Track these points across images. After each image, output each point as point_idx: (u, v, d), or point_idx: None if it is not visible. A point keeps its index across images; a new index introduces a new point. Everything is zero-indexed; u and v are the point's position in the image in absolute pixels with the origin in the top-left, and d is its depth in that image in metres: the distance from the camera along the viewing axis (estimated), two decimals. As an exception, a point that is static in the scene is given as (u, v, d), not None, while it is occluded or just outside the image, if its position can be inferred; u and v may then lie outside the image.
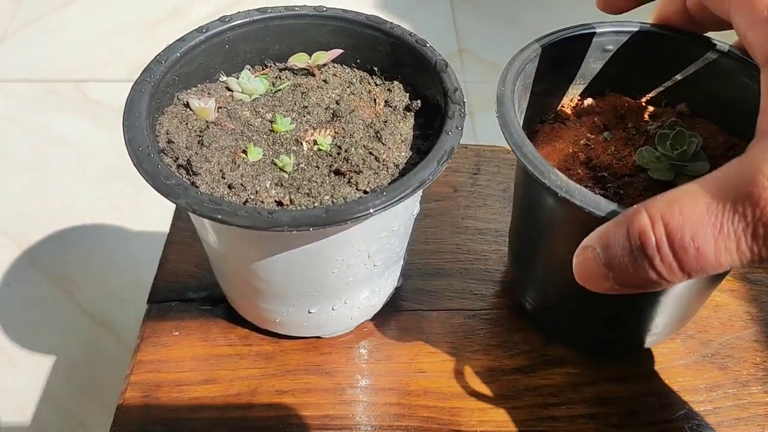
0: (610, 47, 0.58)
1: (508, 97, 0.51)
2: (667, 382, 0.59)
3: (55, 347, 0.99)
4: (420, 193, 0.53)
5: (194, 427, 0.55)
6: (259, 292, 0.54)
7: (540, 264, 0.56)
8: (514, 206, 0.59)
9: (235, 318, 0.61)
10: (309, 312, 0.55)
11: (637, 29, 0.58)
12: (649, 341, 0.58)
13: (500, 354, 0.60)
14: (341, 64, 0.59)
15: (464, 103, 0.51)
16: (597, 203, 0.44)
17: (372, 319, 0.61)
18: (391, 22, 0.57)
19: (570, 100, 0.60)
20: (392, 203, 0.44)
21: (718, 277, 0.53)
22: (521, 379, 0.58)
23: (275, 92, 0.55)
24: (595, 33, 0.57)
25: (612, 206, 0.44)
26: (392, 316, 0.62)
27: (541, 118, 0.59)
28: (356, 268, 0.52)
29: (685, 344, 0.61)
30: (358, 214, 0.43)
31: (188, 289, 0.64)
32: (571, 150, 0.56)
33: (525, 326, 0.62)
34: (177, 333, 0.61)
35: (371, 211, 0.43)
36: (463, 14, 1.58)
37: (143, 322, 0.61)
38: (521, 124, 0.54)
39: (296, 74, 0.58)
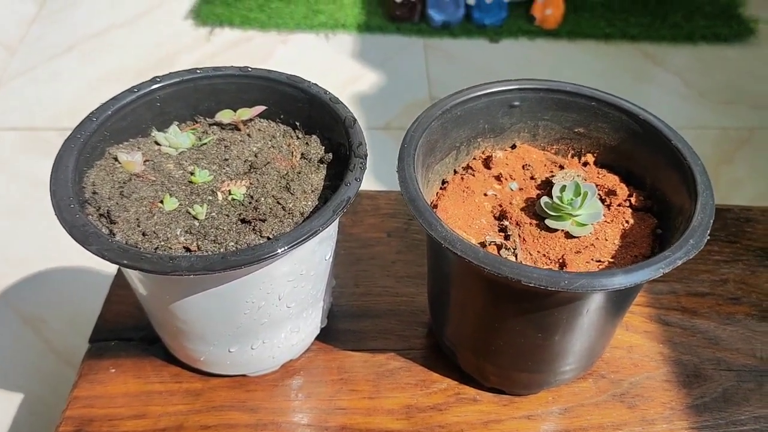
0: (516, 103, 0.62)
1: (409, 154, 0.55)
2: (575, 421, 0.61)
3: (22, 385, 1.03)
4: (329, 238, 0.57)
5: (122, 461, 0.58)
6: (180, 332, 0.57)
7: (449, 306, 0.60)
8: (426, 253, 0.62)
9: (168, 357, 0.64)
10: (229, 351, 0.58)
11: (541, 86, 0.62)
12: (560, 380, 0.61)
13: (417, 392, 0.63)
14: (267, 120, 0.63)
15: (366, 156, 0.55)
16: (476, 253, 0.48)
17: (298, 358, 0.65)
18: (310, 81, 0.61)
19: (481, 152, 0.64)
20: (286, 250, 0.48)
21: (617, 311, 0.56)
22: (435, 417, 0.61)
23: (200, 146, 0.60)
24: (500, 90, 0.62)
25: (490, 257, 0.48)
26: (318, 355, 0.66)
27: (453, 169, 0.63)
28: (268, 310, 0.55)
29: (596, 384, 0.64)
30: (253, 260, 0.47)
31: (127, 329, 0.67)
32: (477, 200, 0.60)
33: (443, 365, 0.65)
34: (113, 370, 0.64)
35: (265, 257, 0.47)
36: (437, 63, 1.64)
37: (82, 361, 0.65)
38: (426, 177, 0.59)
39: (224, 129, 0.62)
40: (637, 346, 0.67)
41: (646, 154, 0.59)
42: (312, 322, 0.62)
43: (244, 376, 0.63)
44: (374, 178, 1.28)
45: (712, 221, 0.51)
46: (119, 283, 0.71)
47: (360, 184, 0.53)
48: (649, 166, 0.59)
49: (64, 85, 1.59)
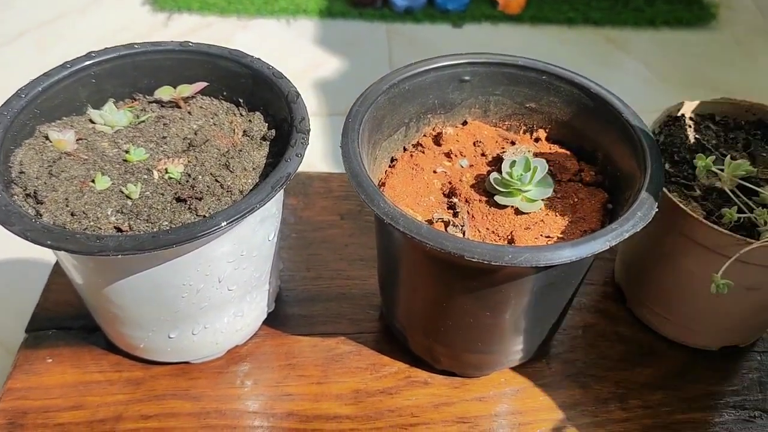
0: (467, 78, 0.61)
1: (354, 129, 0.53)
2: (528, 402, 0.60)
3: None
4: (271, 217, 0.54)
5: (58, 454, 0.56)
6: (117, 318, 0.55)
7: (398, 287, 0.58)
8: (375, 234, 0.61)
9: (109, 346, 0.62)
10: (169, 337, 0.56)
11: (492, 60, 0.60)
12: (512, 360, 0.60)
13: (367, 377, 0.61)
14: (210, 97, 0.61)
15: (308, 131, 0.53)
16: (419, 229, 0.46)
17: (244, 344, 0.63)
18: (252, 56, 0.59)
19: (432, 129, 0.62)
20: (220, 228, 0.45)
21: (567, 289, 0.55)
22: (385, 401, 0.60)
23: (138, 124, 0.57)
24: (450, 65, 0.60)
25: (432, 232, 0.46)
26: (265, 340, 0.63)
27: (403, 146, 0.62)
28: (208, 293, 0.53)
29: (549, 364, 0.63)
30: (185, 239, 0.45)
31: (66, 318, 0.65)
32: (426, 177, 0.58)
33: (394, 349, 0.63)
34: (50, 360, 0.61)
35: (198, 235, 0.45)
36: (400, 49, 1.62)
37: (18, 351, 0.62)
38: (373, 154, 0.57)
39: (164, 106, 0.59)
40: (591, 326, 0.66)
41: (597, 128, 0.58)
42: (257, 306, 0.60)
43: (187, 363, 0.61)
44: (334, 163, 1.26)
45: (660, 194, 0.49)
46: (59, 271, 0.68)
47: (301, 160, 0.51)
48: (600, 140, 0.58)
49: (13, 74, 1.54)
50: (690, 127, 0.64)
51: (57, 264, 0.69)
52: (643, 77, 1.59)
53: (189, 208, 0.50)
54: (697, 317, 0.61)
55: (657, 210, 0.48)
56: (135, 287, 0.50)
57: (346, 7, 1.72)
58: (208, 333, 0.57)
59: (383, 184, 0.58)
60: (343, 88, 1.54)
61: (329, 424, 0.58)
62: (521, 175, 0.54)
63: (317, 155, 1.30)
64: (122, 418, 0.57)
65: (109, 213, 0.49)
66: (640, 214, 0.48)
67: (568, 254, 0.45)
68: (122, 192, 0.51)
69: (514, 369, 0.62)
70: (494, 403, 0.60)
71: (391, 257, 0.56)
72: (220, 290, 0.54)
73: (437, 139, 0.61)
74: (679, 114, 0.64)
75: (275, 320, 0.65)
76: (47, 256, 0.57)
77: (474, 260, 0.44)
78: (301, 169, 0.79)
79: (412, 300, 0.57)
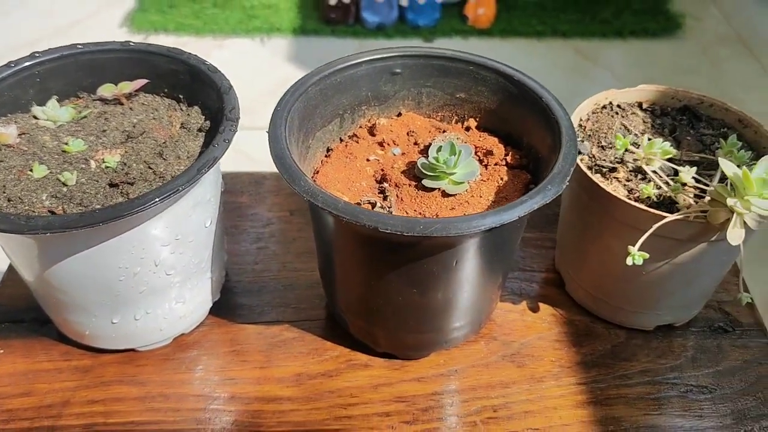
0: (398, 70, 0.63)
1: (281, 116, 0.56)
2: (465, 381, 0.62)
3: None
4: (205, 203, 0.57)
5: (5, 440, 0.57)
6: (61, 303, 0.57)
7: (333, 271, 0.60)
8: (311, 224, 0.62)
9: (60, 337, 0.64)
10: (112, 322, 0.58)
11: (422, 53, 0.63)
12: (450, 341, 0.62)
13: (309, 361, 0.63)
14: (152, 94, 0.63)
15: (238, 119, 0.55)
16: (335, 204, 0.48)
17: (191, 333, 0.64)
18: (190, 53, 0.62)
19: (367, 120, 0.65)
20: (143, 207, 0.48)
21: (490, 265, 0.57)
22: (326, 383, 0.61)
23: (80, 119, 0.59)
24: (381, 58, 0.63)
25: (348, 207, 0.48)
26: (212, 329, 0.65)
27: (339, 137, 0.64)
28: (145, 276, 0.55)
29: (488, 346, 0.65)
30: (111, 217, 0.47)
31: (19, 311, 0.66)
32: (359, 165, 0.61)
33: (337, 335, 0.65)
34: (2, 351, 0.63)
35: (124, 213, 0.47)
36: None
37: (-29, 344, 0.64)
38: (305, 143, 0.59)
39: (107, 103, 0.62)
40: (531, 310, 0.68)
41: (522, 114, 0.61)
42: (200, 294, 0.62)
43: (133, 350, 0.62)
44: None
45: (572, 169, 0.52)
46: (12, 269, 0.70)
47: (228, 145, 0.54)
48: (524, 125, 0.61)
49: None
50: (617, 114, 0.66)
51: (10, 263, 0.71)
52: (611, 87, 1.62)
53: (121, 193, 0.52)
54: (629, 296, 0.63)
55: (567, 185, 0.51)
56: (72, 270, 0.52)
57: (318, 24, 1.76)
58: (150, 319, 0.59)
59: (317, 172, 0.60)
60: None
61: (270, 405, 0.59)
62: (447, 158, 0.57)
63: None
64: (69, 404, 0.59)
65: (43, 198, 0.51)
66: (551, 187, 0.50)
67: (477, 224, 0.47)
68: (59, 180, 0.53)
69: (454, 349, 0.64)
70: (432, 382, 0.61)
71: (323, 241, 0.58)
72: (157, 274, 0.56)
73: (372, 130, 0.64)
74: (606, 102, 0.67)
75: (222, 310, 0.67)
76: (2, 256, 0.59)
77: (387, 231, 0.46)
78: (253, 166, 0.82)
79: (346, 283, 0.59)
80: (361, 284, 0.57)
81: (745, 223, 0.52)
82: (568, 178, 0.51)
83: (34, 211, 0.50)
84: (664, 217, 0.54)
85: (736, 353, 0.64)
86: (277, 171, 0.51)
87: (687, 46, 1.76)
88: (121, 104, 0.62)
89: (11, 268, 0.70)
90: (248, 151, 1.27)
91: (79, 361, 0.62)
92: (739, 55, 1.75)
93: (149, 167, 0.54)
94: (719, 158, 0.53)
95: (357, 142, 0.63)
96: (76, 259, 0.51)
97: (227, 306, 0.67)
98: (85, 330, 0.59)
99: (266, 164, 0.70)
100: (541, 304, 0.68)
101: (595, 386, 0.61)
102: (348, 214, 0.47)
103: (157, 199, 0.48)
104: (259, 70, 1.65)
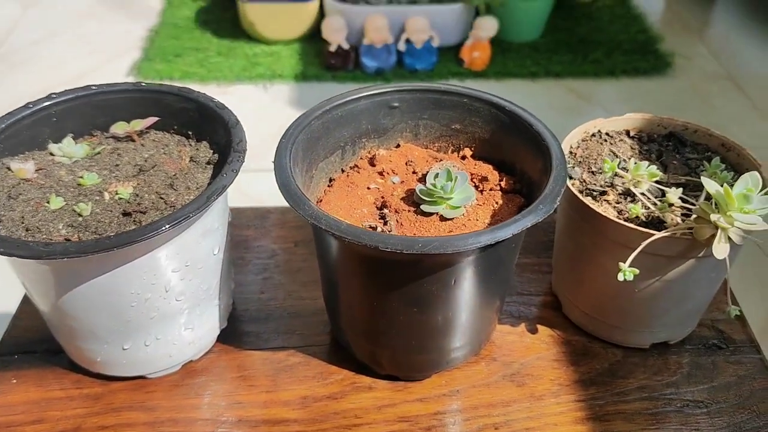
0: (396, 104, 0.67)
1: (287, 147, 0.59)
2: (466, 401, 0.63)
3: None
4: (213, 231, 0.59)
5: (19, 467, 0.59)
6: (73, 330, 0.59)
7: (337, 294, 0.62)
8: (315, 250, 0.65)
9: (71, 366, 0.65)
10: (123, 349, 0.60)
11: (417, 88, 0.66)
12: (451, 361, 0.64)
13: (314, 384, 0.65)
14: (162, 131, 0.66)
15: (245, 151, 0.58)
16: (338, 226, 0.51)
17: (199, 360, 0.66)
18: (199, 92, 0.65)
19: (367, 152, 0.68)
20: (156, 233, 0.50)
21: (488, 284, 0.59)
22: (331, 405, 0.63)
23: (94, 155, 0.63)
24: (379, 92, 0.66)
25: (351, 228, 0.51)
26: (219, 356, 0.67)
27: (341, 168, 0.67)
28: (155, 302, 0.57)
29: (488, 366, 0.66)
30: (125, 242, 0.49)
31: (32, 343, 0.68)
32: (359, 192, 0.63)
33: (341, 358, 0.67)
34: (15, 381, 0.65)
35: (137, 239, 0.50)
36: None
37: (-15, 375, 0.66)
38: (309, 173, 0.62)
39: (120, 141, 0.65)
40: (529, 332, 0.70)
41: (514, 141, 0.64)
42: (208, 320, 0.64)
43: (143, 377, 0.64)
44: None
45: (563, 190, 0.54)
46: (26, 300, 0.73)
47: (236, 174, 0.56)
48: (517, 153, 0.64)
49: None
50: (606, 141, 0.69)
51: (25, 295, 0.73)
52: (605, 123, 1.66)
53: (134, 221, 0.55)
54: (624, 315, 0.65)
55: (558, 204, 0.53)
56: (86, 295, 0.55)
57: (319, 70, 1.81)
58: (160, 345, 0.61)
59: (320, 201, 0.63)
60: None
61: (277, 427, 0.61)
62: (444, 184, 0.59)
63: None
64: (80, 429, 0.61)
65: (60, 227, 0.54)
66: (543, 207, 0.52)
67: (473, 241, 0.49)
68: (74, 210, 0.56)
69: (455, 370, 0.65)
70: (435, 402, 0.63)
71: (327, 265, 0.60)
72: (168, 300, 0.58)
73: (372, 161, 0.67)
74: (595, 131, 0.70)
75: (229, 337, 0.69)
76: (17, 289, 0.61)
77: (388, 250, 0.49)
78: (259, 206, 0.84)
79: (349, 306, 0.61)
80: (364, 305, 0.59)
81: (729, 238, 0.54)
82: (559, 198, 0.54)
83: (51, 239, 0.53)
84: (652, 234, 0.56)
85: (731, 369, 0.66)
86: (282, 203, 0.53)
87: (677, 84, 1.80)
88: (133, 141, 0.65)
89: (25, 301, 0.72)
90: (252, 193, 1.30)
91: (90, 388, 0.64)
92: (728, 91, 1.80)
93: (161, 197, 0.57)
94: (702, 178, 0.55)
95: (358, 172, 0.66)
96: (90, 286, 0.54)
97: (234, 333, 0.69)
98: (97, 357, 0.61)
99: (269, 203, 0.72)
100: (539, 326, 0.70)
101: (594, 403, 0.63)
102: (350, 235, 0.50)
103: (167, 226, 0.51)
104: (262, 115, 1.69)
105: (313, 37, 1.94)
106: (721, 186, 0.54)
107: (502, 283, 0.61)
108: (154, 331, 0.60)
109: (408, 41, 1.81)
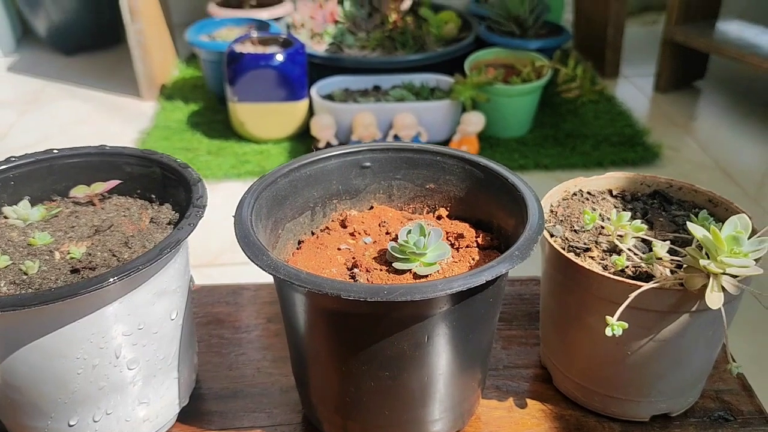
0: (368, 164, 0.64)
1: (249, 203, 0.56)
2: (450, 482, 0.57)
3: None
4: (171, 293, 0.55)
5: None
6: (15, 405, 0.54)
7: (304, 361, 0.57)
8: (281, 311, 0.60)
9: (16, 452, 0.60)
10: (69, 425, 0.54)
11: (389, 147, 0.64)
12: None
13: (282, 467, 0.59)
14: (125, 196, 0.64)
15: (204, 207, 0.56)
16: (297, 275, 0.47)
17: (157, 442, 0.61)
18: (162, 153, 0.63)
19: (339, 214, 0.65)
20: (100, 286, 0.46)
21: (463, 345, 0.54)
22: (299, 490, 0.57)
23: (50, 218, 0.60)
24: (350, 152, 0.64)
25: (311, 277, 0.47)
26: (179, 438, 0.61)
27: (311, 231, 0.64)
28: (104, 370, 0.52)
29: (473, 444, 0.61)
30: (65, 295, 0.46)
31: (-23, 428, 0.63)
32: (329, 253, 0.60)
33: (312, 438, 0.61)
34: (-47, 471, 0.59)
35: (79, 291, 0.46)
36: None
37: None
38: (275, 232, 0.59)
39: (79, 204, 0.62)
40: (518, 407, 0.64)
41: (489, 197, 0.61)
42: (165, 395, 0.59)
43: (94, 462, 0.58)
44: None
45: (539, 237, 0.51)
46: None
47: (193, 229, 0.53)
48: (493, 208, 0.61)
49: None
50: (587, 200, 0.66)
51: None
52: (596, 213, 1.65)
53: (82, 278, 0.51)
54: (617, 382, 0.60)
55: (533, 250, 0.50)
56: (27, 361, 0.50)
57: (308, 166, 1.82)
58: (111, 420, 0.55)
59: (287, 262, 0.59)
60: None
61: None
62: (417, 240, 0.56)
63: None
64: None
65: (1, 285, 0.50)
66: (518, 253, 0.49)
67: (443, 287, 0.45)
68: (20, 269, 0.52)
69: (436, 449, 0.60)
70: (414, 485, 0.57)
71: (291, 326, 0.56)
72: (119, 368, 0.53)
73: (343, 222, 0.64)
74: (576, 189, 0.67)
75: (189, 417, 0.63)
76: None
77: (350, 299, 0.45)
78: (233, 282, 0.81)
79: (317, 372, 0.56)
80: (332, 371, 0.54)
81: (723, 288, 0.51)
82: (535, 245, 0.50)
83: (-9, 298, 0.49)
84: (640, 286, 0.52)
85: (740, 442, 0.60)
86: (257, 280, 0.50)
87: (667, 173, 1.80)
88: (94, 205, 0.62)
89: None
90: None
91: (34, 475, 0.58)
92: (719, 180, 1.79)
93: (113, 255, 0.53)
94: (688, 224, 0.52)
95: (329, 234, 0.62)
96: (31, 349, 0.49)
97: (197, 412, 0.63)
98: (41, 436, 0.56)
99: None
100: (528, 400, 0.65)
101: (591, 482, 0.57)
102: (310, 284, 0.46)
103: (113, 278, 0.47)
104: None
105: (303, 134, 1.95)
106: (709, 230, 0.51)
107: (482, 346, 0.56)
108: (104, 404, 0.54)
109: (396, 137, 1.82)
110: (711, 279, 0.50)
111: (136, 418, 0.57)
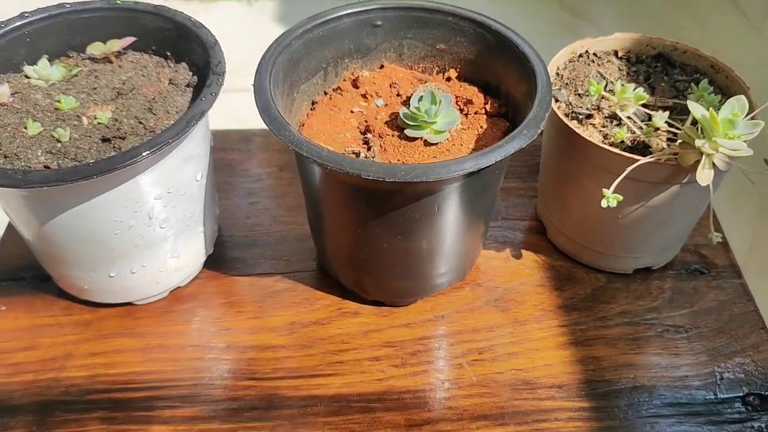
0: (379, 23, 0.64)
1: (266, 69, 0.57)
2: (451, 326, 0.64)
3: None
4: (196, 156, 0.58)
5: (10, 390, 0.59)
6: (59, 259, 0.59)
7: (322, 223, 0.62)
8: (299, 177, 0.64)
9: (60, 293, 0.66)
10: (110, 276, 0.60)
11: (401, 5, 0.64)
12: (436, 286, 0.64)
13: (301, 310, 0.65)
14: (141, 52, 0.64)
15: (224, 73, 0.57)
16: (320, 153, 0.50)
17: (186, 286, 0.67)
18: (176, 10, 0.63)
19: (350, 73, 0.66)
20: (135, 160, 0.49)
21: (471, 211, 0.58)
22: (318, 330, 0.64)
23: (71, 78, 0.61)
24: (362, 11, 0.64)
25: (332, 155, 0.50)
26: (206, 282, 0.67)
27: (323, 90, 0.66)
28: (139, 230, 0.57)
29: (473, 291, 0.67)
30: (104, 170, 0.49)
31: (20, 269, 0.68)
32: (343, 117, 0.62)
33: (327, 284, 0.67)
34: (4, 308, 0.65)
35: (116, 166, 0.49)
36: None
37: (-27, 301, 0.66)
38: (291, 96, 0.61)
39: (97, 62, 0.63)
40: (514, 257, 0.70)
41: (499, 63, 0.62)
42: (193, 247, 0.64)
43: (131, 304, 0.65)
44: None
45: (547, 114, 0.53)
46: (12, 227, 0.72)
47: (215, 98, 0.55)
48: (502, 74, 0.62)
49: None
50: (593, 62, 0.68)
51: (9, 222, 0.73)
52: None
53: (113, 147, 0.54)
54: (607, 241, 0.65)
55: (542, 129, 0.52)
56: (69, 224, 0.54)
57: (306, -14, 1.75)
58: (146, 272, 0.61)
59: (303, 125, 0.61)
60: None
61: (265, 353, 0.62)
62: (428, 108, 0.58)
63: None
64: (72, 356, 0.61)
65: (39, 154, 0.53)
66: (526, 132, 0.52)
67: (456, 168, 0.49)
68: (53, 136, 0.55)
69: (440, 296, 0.66)
70: (420, 328, 0.64)
71: (311, 193, 0.60)
72: (152, 227, 0.58)
73: (355, 83, 0.65)
74: (583, 51, 0.68)
75: (215, 263, 0.69)
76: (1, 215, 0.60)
77: (370, 178, 0.48)
78: (243, 127, 0.83)
79: (334, 234, 0.61)
80: (348, 233, 0.59)
81: (713, 164, 0.54)
82: (543, 123, 0.53)
83: (30, 167, 0.52)
84: (637, 160, 0.56)
85: (712, 294, 0.67)
86: (265, 126, 0.52)
87: (673, 0, 1.76)
88: (111, 62, 0.63)
89: (10, 227, 0.72)
90: (236, 113, 1.28)
91: (79, 315, 0.64)
92: (724, 6, 1.76)
93: (140, 122, 0.56)
94: (689, 102, 0.55)
95: (341, 95, 0.64)
96: (72, 214, 0.53)
97: (221, 259, 0.69)
98: (84, 284, 0.61)
99: (254, 124, 0.71)
100: (523, 251, 0.71)
101: (576, 328, 0.64)
102: (332, 162, 0.49)
103: (147, 152, 0.50)
104: (246, 32, 1.65)
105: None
106: (708, 110, 0.53)
107: (486, 209, 0.61)
108: (139, 258, 0.59)
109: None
110: (703, 157, 0.54)
111: (168, 269, 0.62)
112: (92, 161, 0.52)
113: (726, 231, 0.72)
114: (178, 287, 0.66)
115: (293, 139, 0.51)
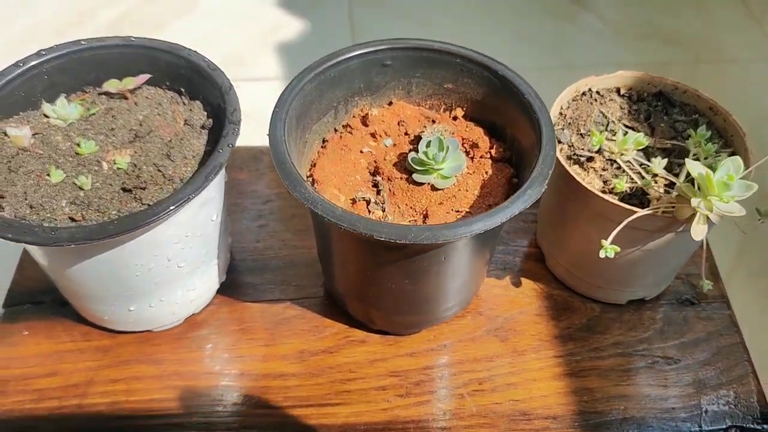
0: (389, 62, 0.66)
1: (280, 118, 0.59)
2: (453, 356, 0.68)
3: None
4: (211, 200, 0.61)
5: (37, 416, 0.63)
6: (79, 295, 0.61)
7: (331, 258, 0.65)
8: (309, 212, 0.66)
9: (79, 318, 0.68)
10: (129, 310, 0.63)
11: (411, 45, 0.66)
12: (440, 318, 0.67)
13: (310, 338, 0.68)
14: (155, 87, 0.66)
15: (239, 122, 0.59)
16: (333, 212, 0.52)
17: (200, 312, 0.70)
18: (189, 49, 0.64)
19: (360, 110, 0.68)
20: (159, 218, 0.52)
21: (477, 257, 0.61)
22: (326, 359, 0.67)
23: (89, 116, 0.63)
24: (372, 51, 0.65)
25: (346, 215, 0.52)
26: (220, 308, 0.70)
27: (333, 128, 0.68)
28: (158, 271, 0.59)
29: (474, 320, 0.70)
30: (129, 228, 0.51)
31: (39, 293, 0.71)
32: (353, 157, 0.64)
33: (335, 312, 0.70)
34: (26, 333, 0.68)
35: (141, 224, 0.51)
36: (362, 8, 1.66)
37: (-3, 325, 0.69)
38: (303, 138, 0.63)
39: (112, 98, 0.65)
40: (513, 285, 0.73)
41: (505, 106, 0.64)
42: (208, 279, 0.67)
43: (149, 331, 0.68)
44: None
45: (551, 172, 0.56)
46: (29, 249, 0.74)
47: (232, 148, 0.57)
48: (508, 118, 0.64)
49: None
50: (596, 101, 0.70)
51: (26, 244, 0.75)
52: (598, 31, 1.64)
53: (135, 198, 0.56)
54: (603, 276, 0.68)
55: (546, 187, 0.55)
56: (93, 270, 0.57)
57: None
58: (164, 305, 0.64)
59: (314, 165, 0.64)
60: (305, 51, 1.58)
61: (276, 381, 0.65)
62: (435, 154, 0.60)
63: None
64: (93, 383, 0.65)
65: (63, 204, 0.55)
66: (530, 192, 0.54)
67: (463, 232, 0.51)
68: (75, 184, 0.57)
69: (443, 325, 0.69)
70: (424, 357, 0.67)
71: (323, 234, 0.62)
72: (170, 268, 0.60)
73: (365, 120, 0.67)
74: (586, 89, 0.70)
75: (228, 289, 0.72)
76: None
77: (382, 239, 0.51)
78: (253, 143, 0.85)
79: (344, 270, 0.64)
80: (359, 273, 0.62)
81: (707, 218, 0.57)
82: (547, 181, 0.55)
83: (55, 219, 0.54)
84: (635, 212, 0.58)
85: (701, 325, 0.70)
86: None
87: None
88: (126, 99, 0.65)
89: (27, 251, 0.74)
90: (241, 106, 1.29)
91: (99, 341, 0.67)
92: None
93: (158, 169, 0.58)
94: (686, 160, 0.57)
95: (351, 134, 0.66)
96: (94, 262, 0.56)
97: (233, 285, 0.72)
98: (104, 316, 0.64)
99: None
100: (523, 279, 0.74)
101: (571, 359, 0.68)
102: (345, 222, 0.51)
103: (172, 208, 0.52)
104: (249, 15, 1.64)
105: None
106: (704, 166, 0.56)
107: (491, 249, 0.64)
108: (157, 294, 0.62)
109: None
110: (698, 214, 0.56)
111: (184, 301, 0.65)
112: (116, 215, 0.54)
113: (718, 261, 0.75)
114: (193, 314, 0.69)
115: (308, 197, 0.53)
